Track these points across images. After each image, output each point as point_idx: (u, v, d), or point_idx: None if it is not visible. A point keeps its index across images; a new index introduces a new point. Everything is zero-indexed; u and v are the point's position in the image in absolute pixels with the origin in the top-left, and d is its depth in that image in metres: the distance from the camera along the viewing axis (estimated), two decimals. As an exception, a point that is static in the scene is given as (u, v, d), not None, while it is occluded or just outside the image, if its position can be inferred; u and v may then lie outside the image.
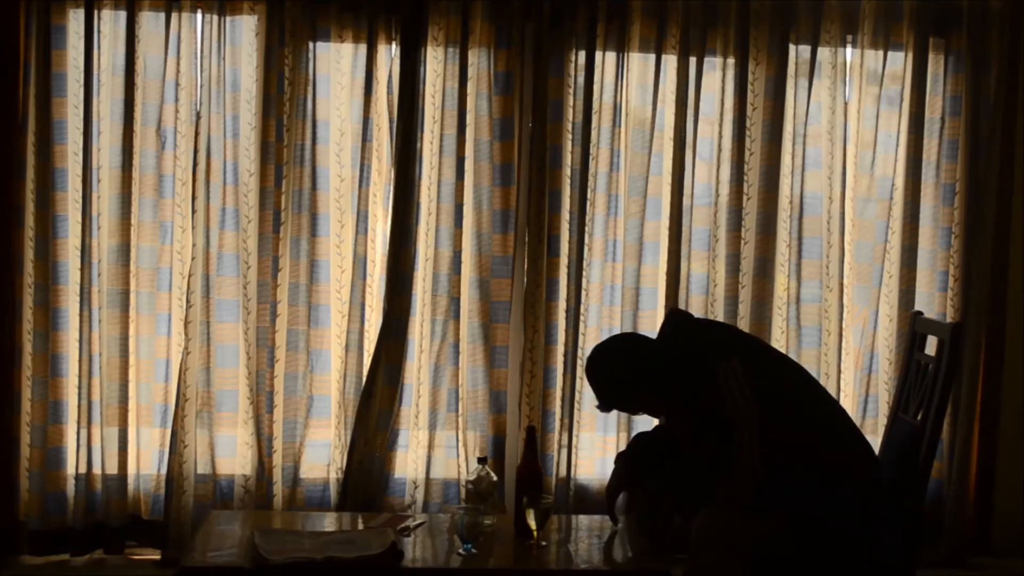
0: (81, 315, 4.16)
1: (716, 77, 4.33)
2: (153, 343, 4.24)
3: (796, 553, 3.22)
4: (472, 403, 4.30)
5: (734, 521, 3.20)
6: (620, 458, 3.66)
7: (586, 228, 4.29)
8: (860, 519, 3.22)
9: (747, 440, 3.15)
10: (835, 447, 3.31)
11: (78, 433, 4.17)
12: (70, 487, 4.20)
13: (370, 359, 4.23)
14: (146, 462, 4.26)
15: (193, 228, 4.18)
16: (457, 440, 4.28)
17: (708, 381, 3.21)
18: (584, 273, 4.30)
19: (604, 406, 3.39)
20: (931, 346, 3.72)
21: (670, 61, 4.30)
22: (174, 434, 4.19)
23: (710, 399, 3.22)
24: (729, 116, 4.33)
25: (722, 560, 3.17)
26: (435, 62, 4.23)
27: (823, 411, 3.40)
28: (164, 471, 4.22)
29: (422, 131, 4.24)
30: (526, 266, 4.28)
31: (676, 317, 3.65)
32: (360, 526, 3.55)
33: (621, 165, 4.32)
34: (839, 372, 4.40)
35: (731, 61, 4.32)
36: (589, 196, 4.29)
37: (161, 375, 4.25)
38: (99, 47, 4.14)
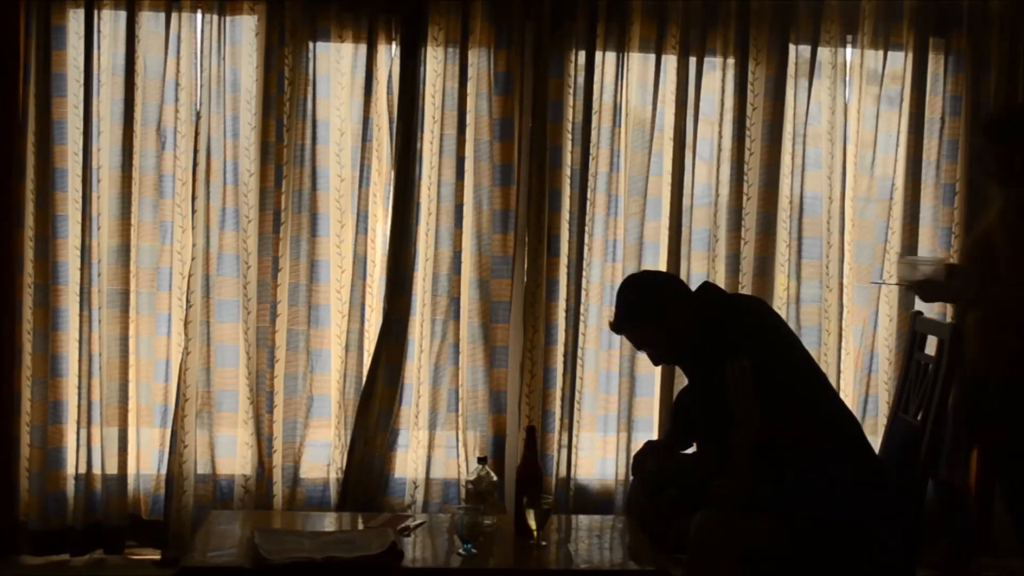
0: (81, 315, 4.16)
1: (716, 77, 4.34)
2: (153, 343, 4.24)
3: (795, 553, 3.22)
4: (472, 403, 4.30)
5: (733, 521, 3.20)
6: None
7: (586, 228, 4.29)
8: (858, 510, 3.21)
9: (742, 444, 3.15)
10: (831, 436, 3.31)
11: (78, 433, 4.17)
12: (70, 487, 4.20)
13: (370, 359, 4.23)
14: (146, 462, 4.26)
15: (193, 228, 4.18)
16: (457, 440, 4.28)
17: (717, 367, 3.23)
18: (584, 273, 4.30)
19: (616, 328, 3.45)
20: (931, 346, 3.71)
21: (670, 61, 4.30)
22: (174, 434, 4.19)
23: (713, 381, 3.24)
24: (729, 116, 4.33)
25: (721, 560, 3.17)
26: (435, 62, 4.23)
27: (824, 402, 3.40)
28: (164, 471, 4.22)
29: (422, 131, 4.24)
30: (526, 266, 4.28)
31: (708, 290, 3.62)
32: (360, 526, 3.55)
33: (621, 165, 4.32)
34: (839, 372, 4.40)
35: (731, 61, 4.32)
36: (589, 196, 4.29)
37: (161, 375, 4.25)
38: (99, 47, 4.14)
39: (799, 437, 3.22)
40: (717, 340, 3.29)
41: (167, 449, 4.21)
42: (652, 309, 3.36)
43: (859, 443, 3.35)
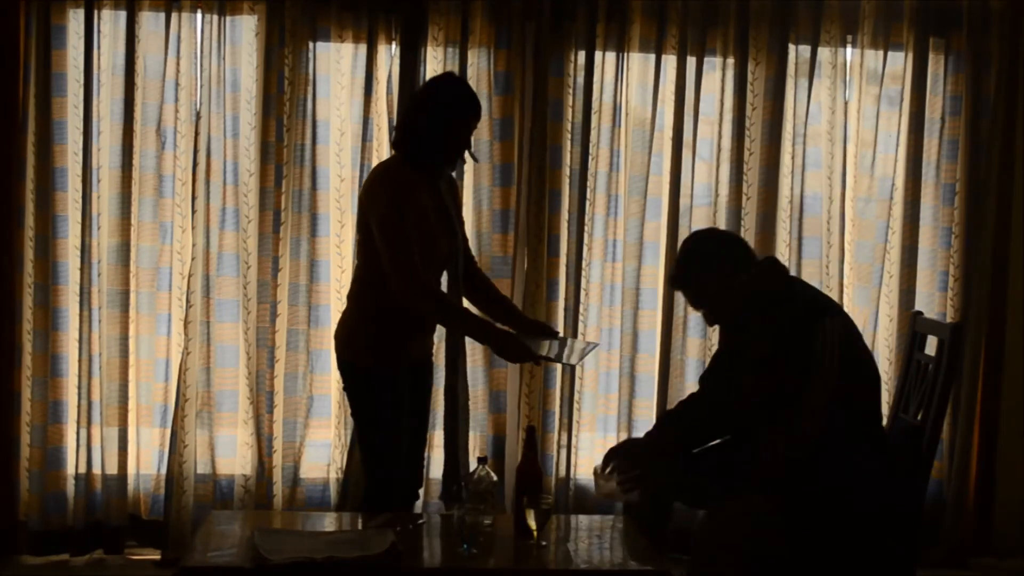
0: (81, 315, 4.16)
1: (716, 77, 4.34)
2: (153, 343, 4.25)
3: (797, 553, 3.22)
4: (472, 403, 4.29)
5: (735, 521, 3.20)
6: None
7: (586, 228, 4.29)
8: (873, 506, 3.21)
9: (817, 401, 3.16)
10: (874, 427, 3.33)
11: (78, 433, 4.17)
12: (70, 487, 4.20)
13: (370, 359, 4.23)
14: (146, 462, 4.27)
15: (193, 228, 4.18)
16: (457, 440, 4.28)
17: (796, 329, 3.22)
18: (584, 273, 4.30)
19: (676, 281, 3.42)
20: (931, 346, 3.71)
21: (670, 61, 4.30)
22: (174, 434, 4.19)
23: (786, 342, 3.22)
24: (729, 116, 4.33)
25: (724, 560, 3.17)
26: (435, 62, 4.23)
27: (875, 400, 3.43)
28: (164, 471, 4.22)
29: (422, 131, 4.23)
30: (526, 266, 4.28)
31: (775, 261, 3.62)
32: (360, 526, 3.55)
33: (621, 165, 4.32)
34: (839, 372, 4.40)
35: (731, 61, 4.32)
36: (589, 196, 4.29)
37: (161, 375, 4.25)
38: (99, 47, 4.14)
39: (853, 418, 3.23)
40: (785, 301, 3.28)
41: (167, 449, 4.21)
42: (726, 262, 3.36)
43: (887, 443, 3.36)
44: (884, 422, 3.64)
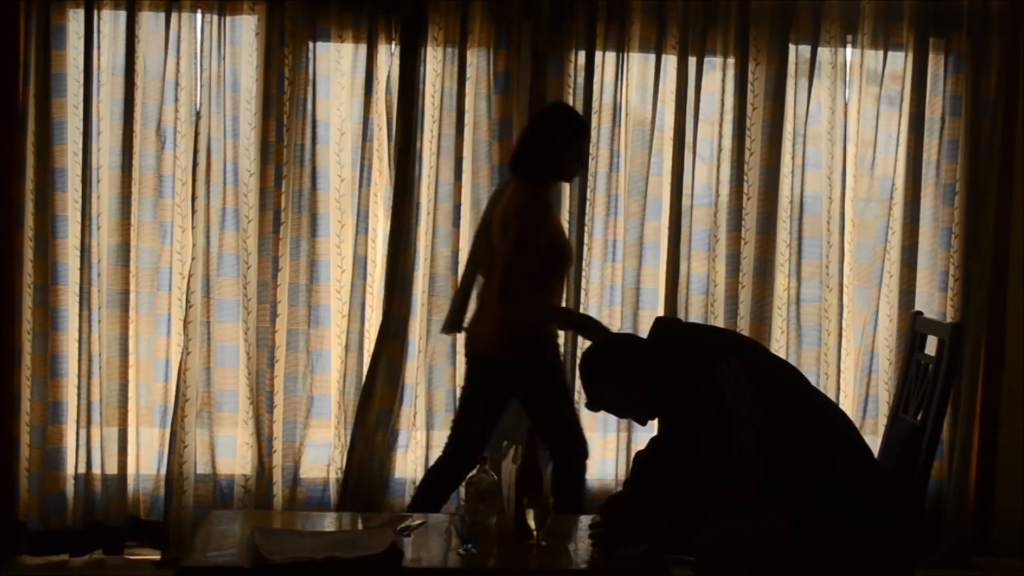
0: (81, 315, 4.16)
1: (716, 77, 4.34)
2: (153, 343, 4.25)
3: (802, 554, 3.21)
4: (472, 403, 4.29)
5: (740, 522, 3.19)
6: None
7: (586, 228, 4.29)
8: (862, 514, 3.21)
9: (747, 440, 3.13)
10: (833, 443, 3.30)
11: (78, 433, 4.17)
12: (70, 487, 4.20)
13: (370, 359, 4.23)
14: (146, 462, 4.27)
15: (193, 228, 4.18)
16: (457, 440, 4.28)
17: (706, 384, 3.19)
18: (584, 273, 4.30)
19: (591, 405, 3.38)
20: (931, 346, 3.71)
21: (670, 61, 4.30)
22: (174, 434, 4.19)
23: (707, 402, 3.19)
24: (729, 116, 4.33)
25: (730, 563, 3.16)
26: (435, 62, 4.23)
27: (820, 409, 3.39)
28: (164, 471, 4.22)
29: (422, 131, 4.24)
30: (526, 266, 4.27)
31: (664, 323, 3.57)
32: (360, 526, 3.55)
33: (621, 165, 4.32)
34: (839, 372, 4.40)
35: (731, 61, 4.32)
36: (589, 196, 4.29)
37: (161, 375, 4.25)
38: (99, 47, 4.14)
39: (793, 434, 3.21)
40: (693, 366, 3.25)
41: (167, 449, 4.21)
42: (620, 378, 3.30)
43: (852, 438, 3.35)
44: (886, 421, 3.62)
